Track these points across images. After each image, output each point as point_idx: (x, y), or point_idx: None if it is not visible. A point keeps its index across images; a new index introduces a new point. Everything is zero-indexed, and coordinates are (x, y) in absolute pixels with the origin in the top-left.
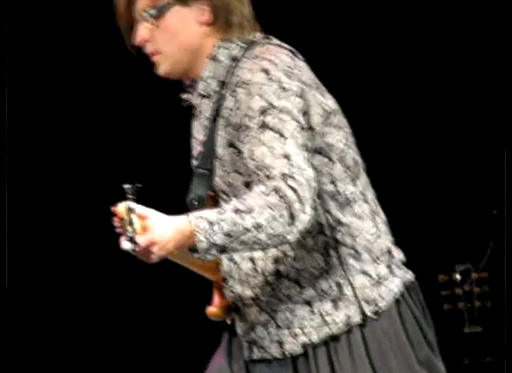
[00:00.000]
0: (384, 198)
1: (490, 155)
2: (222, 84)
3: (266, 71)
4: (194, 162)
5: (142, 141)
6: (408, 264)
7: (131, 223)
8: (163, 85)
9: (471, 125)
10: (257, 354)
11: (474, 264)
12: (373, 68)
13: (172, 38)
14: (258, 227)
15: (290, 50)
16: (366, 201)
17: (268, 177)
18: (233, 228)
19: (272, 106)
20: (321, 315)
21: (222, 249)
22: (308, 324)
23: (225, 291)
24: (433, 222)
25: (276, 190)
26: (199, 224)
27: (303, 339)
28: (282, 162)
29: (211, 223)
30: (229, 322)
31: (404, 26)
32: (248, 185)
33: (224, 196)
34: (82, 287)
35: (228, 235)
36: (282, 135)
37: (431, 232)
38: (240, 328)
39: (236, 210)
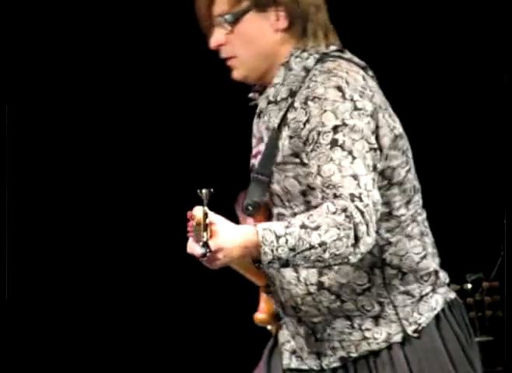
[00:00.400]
0: None
1: (501, 165)
2: (292, 92)
3: (340, 89)
4: (253, 161)
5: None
6: None
7: (206, 229)
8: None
9: (482, 134)
10: (295, 363)
11: (485, 273)
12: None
13: (248, 44)
14: (323, 245)
15: (362, 68)
16: (416, 222)
17: (335, 196)
18: (298, 243)
19: (345, 124)
20: (361, 330)
21: (285, 263)
22: (347, 338)
23: (269, 296)
24: (444, 232)
25: (344, 210)
26: (266, 236)
27: (341, 353)
28: (350, 181)
29: (277, 236)
30: (274, 330)
31: (404, 27)
32: (304, 193)
33: (278, 202)
34: (82, 297)
35: (292, 249)
36: (351, 154)
37: (442, 242)
38: (281, 336)
39: (303, 226)
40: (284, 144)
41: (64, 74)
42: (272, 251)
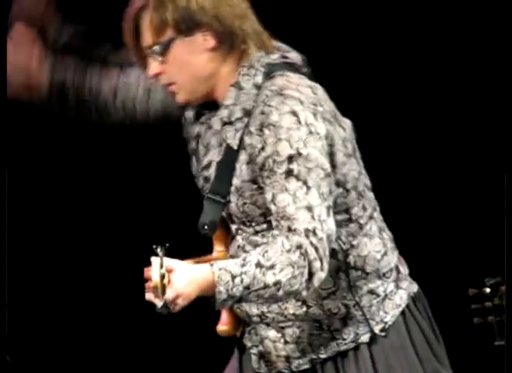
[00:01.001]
0: (414, 213)
1: None
2: (246, 112)
3: (294, 113)
4: (205, 174)
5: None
6: (438, 278)
7: (164, 289)
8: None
9: (493, 139)
10: (264, 368)
11: (504, 278)
12: (375, 71)
13: (182, 69)
14: (278, 284)
15: (303, 72)
16: (374, 219)
17: (289, 229)
18: (253, 281)
19: (299, 153)
20: (330, 331)
21: (239, 300)
22: (316, 339)
23: (234, 306)
24: (463, 236)
25: (298, 247)
26: (222, 276)
27: (310, 355)
28: (304, 214)
29: (233, 276)
30: (238, 334)
31: (406, 28)
32: (265, 215)
33: (236, 221)
34: (82, 298)
35: (247, 288)
36: (306, 184)
37: (461, 246)
38: (248, 340)
39: (258, 264)
40: (242, 168)
41: None
42: (227, 290)
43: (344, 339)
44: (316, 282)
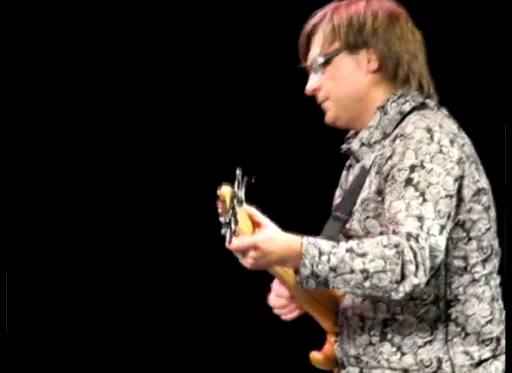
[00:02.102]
0: None
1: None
2: (385, 135)
3: (429, 130)
4: (337, 202)
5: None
6: None
7: (233, 209)
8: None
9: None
10: None
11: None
12: None
13: (339, 84)
14: (365, 272)
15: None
16: (489, 285)
17: (394, 232)
18: (340, 264)
19: (422, 166)
20: None
21: (323, 282)
22: None
23: (335, 344)
24: None
25: (396, 246)
26: (309, 249)
27: None
28: (413, 221)
29: (321, 252)
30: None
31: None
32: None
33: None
34: (82, 299)
35: (333, 269)
36: (423, 196)
37: None
38: None
39: (350, 250)
40: (372, 181)
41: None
42: (312, 266)
43: None
44: (407, 287)
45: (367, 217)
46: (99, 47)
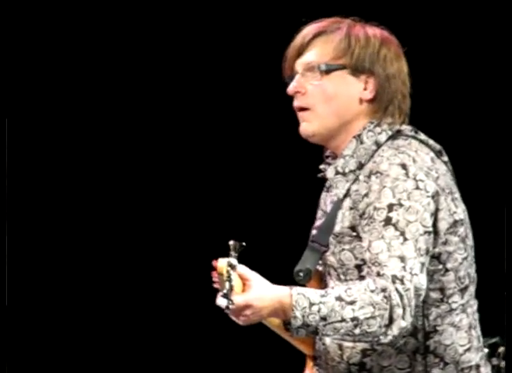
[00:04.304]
0: None
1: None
2: (360, 165)
3: (404, 166)
4: (314, 232)
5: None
6: None
7: (229, 280)
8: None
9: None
10: None
11: (503, 338)
12: None
13: (330, 99)
14: (355, 320)
15: (434, 151)
16: (466, 313)
17: (378, 274)
18: (331, 313)
19: (400, 204)
20: None
21: (314, 331)
22: None
23: (314, 368)
24: None
25: (383, 290)
26: (299, 300)
27: None
28: (396, 262)
29: (311, 303)
30: None
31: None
32: (359, 268)
33: (332, 273)
34: (82, 300)
35: (324, 318)
36: (403, 235)
37: None
38: None
39: (339, 298)
40: (344, 214)
41: (66, 79)
42: (303, 317)
43: None
44: (396, 330)
45: (342, 250)
46: (98, 47)
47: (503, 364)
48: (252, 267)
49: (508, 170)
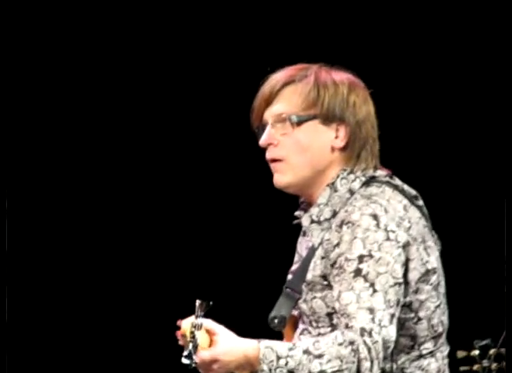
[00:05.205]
0: None
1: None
2: (334, 213)
3: (375, 217)
4: (289, 277)
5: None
6: None
7: (192, 341)
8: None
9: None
10: None
11: (493, 340)
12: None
13: (302, 150)
14: None
15: (411, 197)
16: (435, 358)
17: (347, 326)
18: (298, 367)
19: (371, 255)
20: None
21: None
22: None
23: None
24: (452, 298)
25: (351, 343)
26: (267, 354)
27: None
28: (364, 314)
29: (278, 357)
30: None
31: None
32: (331, 316)
33: (305, 320)
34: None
35: (291, 372)
36: (373, 287)
37: (450, 308)
38: None
39: (306, 351)
40: (316, 263)
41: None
42: (270, 370)
43: None
44: None
45: (314, 298)
46: (97, 47)
47: (494, 365)
48: (228, 312)
49: (508, 168)
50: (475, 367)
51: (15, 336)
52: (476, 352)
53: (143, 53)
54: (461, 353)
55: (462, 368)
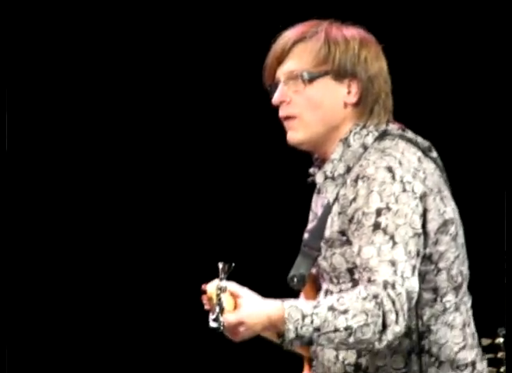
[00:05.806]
0: None
1: None
2: (348, 169)
3: (390, 169)
4: (306, 236)
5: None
6: None
7: (219, 304)
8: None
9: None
10: None
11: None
12: None
13: (315, 107)
14: (349, 329)
15: (422, 148)
16: (460, 311)
17: (369, 280)
18: (324, 324)
19: (388, 208)
20: None
21: (308, 342)
22: None
23: (312, 370)
24: (475, 286)
25: (375, 297)
26: (292, 313)
27: None
28: (386, 267)
29: (303, 315)
30: None
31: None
32: (351, 271)
33: (325, 277)
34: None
35: (317, 329)
36: (393, 239)
37: (473, 296)
38: None
39: (331, 308)
40: (333, 219)
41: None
42: (296, 329)
43: None
44: (390, 335)
45: (333, 254)
46: (96, 48)
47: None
48: (247, 274)
49: (508, 160)
50: (500, 354)
51: (15, 336)
52: (501, 340)
53: (143, 31)
54: (485, 341)
55: (486, 356)
